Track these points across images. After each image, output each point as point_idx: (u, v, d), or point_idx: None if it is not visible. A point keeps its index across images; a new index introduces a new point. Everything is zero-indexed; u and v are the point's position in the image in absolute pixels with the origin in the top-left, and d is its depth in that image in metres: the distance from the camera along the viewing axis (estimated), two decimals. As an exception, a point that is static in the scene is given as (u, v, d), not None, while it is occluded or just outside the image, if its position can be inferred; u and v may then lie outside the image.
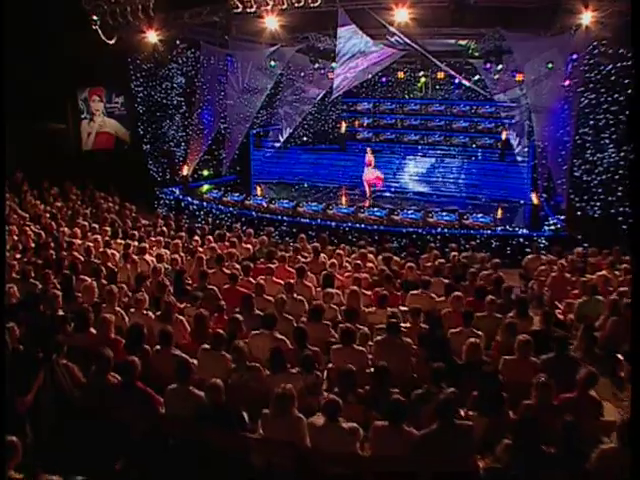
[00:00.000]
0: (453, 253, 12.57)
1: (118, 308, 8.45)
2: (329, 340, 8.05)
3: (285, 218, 16.47)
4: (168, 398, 6.02)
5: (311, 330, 7.61)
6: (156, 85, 20.86)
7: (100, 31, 16.17)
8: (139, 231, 13.62)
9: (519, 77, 19.88)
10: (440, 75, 22.99)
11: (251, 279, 10.22)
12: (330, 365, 7.35)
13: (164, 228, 13.82)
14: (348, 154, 23.78)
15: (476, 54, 20.75)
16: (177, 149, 21.14)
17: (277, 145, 23.49)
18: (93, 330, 7.47)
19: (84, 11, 15.70)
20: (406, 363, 7.43)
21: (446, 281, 10.40)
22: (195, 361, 6.96)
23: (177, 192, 19.73)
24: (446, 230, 15.55)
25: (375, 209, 16.44)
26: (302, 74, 22.89)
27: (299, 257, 11.80)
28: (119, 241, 13.02)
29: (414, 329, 8.22)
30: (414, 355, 7.57)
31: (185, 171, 20.12)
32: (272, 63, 20.62)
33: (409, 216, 16.03)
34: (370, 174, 20.09)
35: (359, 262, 11.26)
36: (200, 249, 12.58)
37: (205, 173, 21.54)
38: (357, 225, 15.76)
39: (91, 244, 12.19)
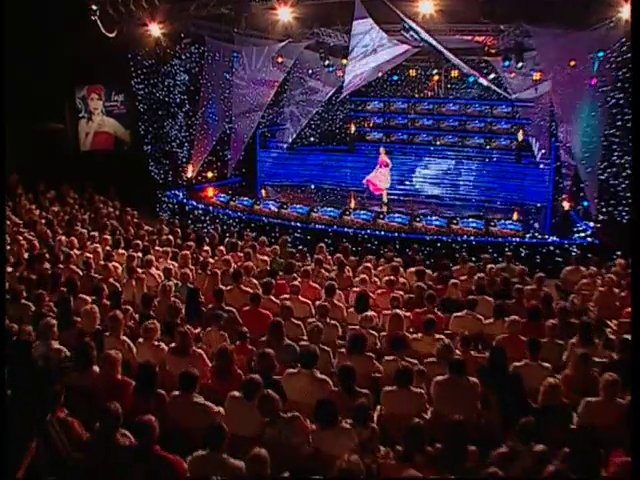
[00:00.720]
0: (489, 265, 11.24)
1: (124, 337, 7.08)
2: (374, 376, 6.75)
3: (299, 224, 15.08)
4: (196, 467, 4.67)
5: (353, 364, 6.27)
6: (158, 82, 19.47)
7: (100, 23, 14.76)
8: (143, 240, 12.27)
9: (537, 76, 18.68)
10: (454, 73, 21.78)
11: (273, 298, 8.89)
12: (381, 411, 6.05)
13: (170, 237, 12.44)
14: (358, 155, 22.43)
15: (492, 51, 19.50)
16: (180, 150, 19.74)
17: (284, 146, 22.09)
18: (96, 368, 6.12)
19: (83, 7, 14.30)
20: (473, 408, 6.11)
21: (492, 300, 9.08)
22: (221, 409, 5.66)
23: (180, 195, 18.34)
24: (472, 238, 14.19)
25: (395, 215, 15.06)
26: (310, 72, 21.55)
27: (322, 271, 10.46)
28: (121, 251, 11.68)
29: (468, 361, 6.87)
30: (480, 397, 6.25)
31: (189, 173, 18.75)
32: (279, 60, 19.37)
33: (433, 223, 14.67)
34: (379, 178, 18.64)
35: (392, 277, 9.90)
36: (211, 260, 11.25)
37: (209, 175, 20.13)
38: (377, 232, 14.40)
39: (90, 255, 10.86)
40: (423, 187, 21.25)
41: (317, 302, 8.73)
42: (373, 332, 7.83)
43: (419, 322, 8.19)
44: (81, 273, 9.98)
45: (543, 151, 20.09)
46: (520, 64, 18.43)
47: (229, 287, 9.14)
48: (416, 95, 22.90)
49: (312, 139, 23.38)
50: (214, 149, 19.79)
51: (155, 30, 15.60)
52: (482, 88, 21.67)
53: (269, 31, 17.45)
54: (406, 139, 22.91)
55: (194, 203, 17.40)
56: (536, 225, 16.59)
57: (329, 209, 15.65)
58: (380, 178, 18.78)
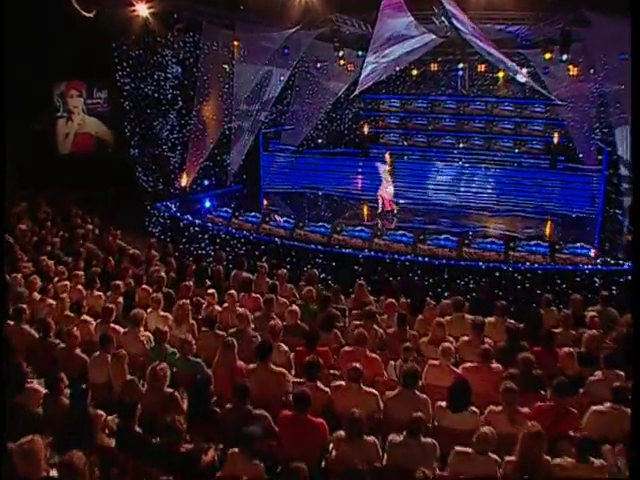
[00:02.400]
0: (591, 314, 8.16)
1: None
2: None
3: (320, 247, 11.91)
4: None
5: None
6: (146, 76, 16.24)
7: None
8: (126, 276, 9.08)
9: (575, 70, 15.89)
10: (480, 68, 18.72)
11: (321, 385, 5.75)
12: None
13: (162, 273, 9.13)
14: (371, 160, 19.30)
15: (527, 42, 16.56)
16: (172, 154, 16.50)
17: (290, 149, 18.89)
18: None
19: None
20: None
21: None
22: None
23: (173, 207, 15.13)
24: (537, 265, 11.11)
25: (442, 237, 11.87)
26: (318, 65, 18.40)
27: (376, 327, 7.32)
28: (97, 293, 8.50)
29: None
30: None
31: (184, 181, 15.56)
32: (285, 51, 16.29)
33: (487, 247, 11.53)
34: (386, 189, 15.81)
35: (474, 338, 6.81)
36: (218, 308, 8.11)
37: (206, 182, 16.92)
38: (419, 259, 11.26)
39: (53, 303, 7.69)
40: (444, 195, 18.11)
41: (387, 393, 5.62)
42: (492, 456, 4.72)
43: (543, 419, 5.13)
44: (36, 336, 6.78)
45: (583, 155, 17.11)
46: (565, 56, 15.61)
47: (252, 366, 5.98)
48: (437, 92, 19.70)
49: (320, 141, 20.18)
50: (212, 153, 16.61)
51: (143, 10, 12.51)
52: (513, 85, 18.66)
53: (276, 17, 14.35)
54: (426, 142, 19.82)
55: (189, 218, 14.17)
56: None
57: (357, 229, 12.42)
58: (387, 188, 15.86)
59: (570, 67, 16.00)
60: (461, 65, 18.62)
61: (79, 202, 15.01)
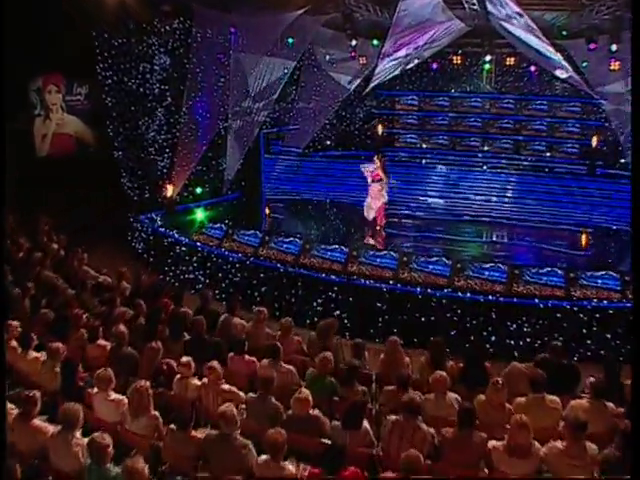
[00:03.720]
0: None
1: None
2: None
3: (333, 278, 9.41)
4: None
5: None
6: (130, 68, 13.82)
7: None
8: (77, 324, 6.63)
9: (615, 65, 13.70)
10: (509, 61, 16.27)
11: None
12: None
13: (122, 328, 6.51)
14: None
15: (566, 32, 14.20)
16: (159, 157, 14.04)
17: (296, 151, 16.40)
18: None
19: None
20: None
21: None
22: None
23: (158, 220, 12.65)
24: (605, 303, 8.62)
25: (487, 266, 9.33)
26: (327, 57, 15.94)
27: (424, 428, 4.85)
28: (34, 355, 6.06)
29: None
30: None
31: (170, 191, 13.11)
32: (290, 40, 13.90)
33: (542, 280, 8.98)
34: (375, 196, 13.31)
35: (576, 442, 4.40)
36: (196, 382, 5.64)
37: (199, 190, 14.43)
38: (458, 294, 8.76)
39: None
40: (467, 205, 15.65)
41: None
42: None
43: None
44: None
45: (625, 161, 14.66)
46: (615, 46, 13.35)
47: None
48: (460, 88, 17.21)
49: (328, 143, 17.68)
50: (205, 156, 14.15)
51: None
52: (546, 80, 16.18)
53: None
54: (448, 144, 17.28)
55: (175, 235, 11.70)
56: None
57: (381, 255, 9.86)
58: (375, 196, 13.33)
59: (614, 60, 13.67)
60: (488, 57, 16.16)
61: (53, 212, 12.62)
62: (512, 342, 8.36)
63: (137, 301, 7.37)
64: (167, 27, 13.49)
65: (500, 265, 9.16)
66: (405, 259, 9.28)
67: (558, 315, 8.39)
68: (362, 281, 9.23)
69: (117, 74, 13.78)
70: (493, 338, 8.36)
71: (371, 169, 13.39)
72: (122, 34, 13.44)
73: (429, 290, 8.76)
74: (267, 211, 15.27)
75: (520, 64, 16.16)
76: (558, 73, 13.50)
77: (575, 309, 8.41)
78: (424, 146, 17.49)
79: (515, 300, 8.57)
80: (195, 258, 11.19)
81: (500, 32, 13.29)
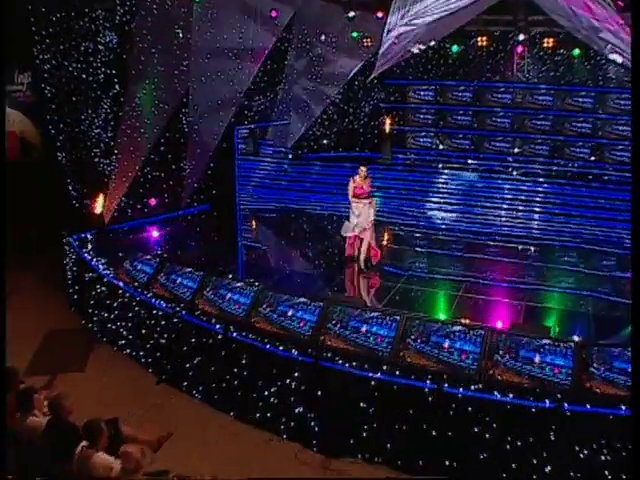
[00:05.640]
0: None
1: None
2: None
3: (296, 355, 5.94)
4: None
5: None
6: (70, 49, 10.48)
7: None
8: None
9: None
10: (548, 42, 12.77)
11: None
12: None
13: None
14: (395, 170, 13.49)
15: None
16: (105, 160, 10.70)
17: (283, 151, 13.03)
18: None
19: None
20: None
21: None
22: None
23: (89, 243, 9.37)
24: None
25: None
26: (323, 37, 12.52)
27: None
28: None
29: None
30: None
31: (98, 207, 9.79)
32: (273, 13, 10.58)
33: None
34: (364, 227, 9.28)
35: None
36: None
37: (154, 202, 11.08)
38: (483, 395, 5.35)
39: None
40: (493, 221, 12.17)
41: None
42: None
43: None
44: None
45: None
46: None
47: None
48: (486, 77, 13.67)
49: (325, 142, 14.26)
50: (162, 159, 10.85)
51: None
52: (595, 67, 12.66)
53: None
54: (470, 146, 13.77)
55: (100, 266, 8.39)
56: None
57: (376, 321, 6.24)
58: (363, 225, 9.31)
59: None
60: (521, 37, 12.62)
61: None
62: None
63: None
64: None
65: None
66: (407, 326, 5.84)
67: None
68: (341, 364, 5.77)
69: (55, 57, 10.48)
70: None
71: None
72: (60, 6, 10.17)
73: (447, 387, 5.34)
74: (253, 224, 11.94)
75: (561, 46, 12.64)
76: (613, 57, 9.86)
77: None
78: (441, 147, 14.01)
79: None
80: (117, 305, 7.88)
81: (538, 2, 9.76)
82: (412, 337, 5.78)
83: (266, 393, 6.09)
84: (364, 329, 5.97)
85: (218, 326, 6.57)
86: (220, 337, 6.49)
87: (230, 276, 7.18)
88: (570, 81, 13.03)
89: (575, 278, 9.20)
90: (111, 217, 10.57)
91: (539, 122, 13.29)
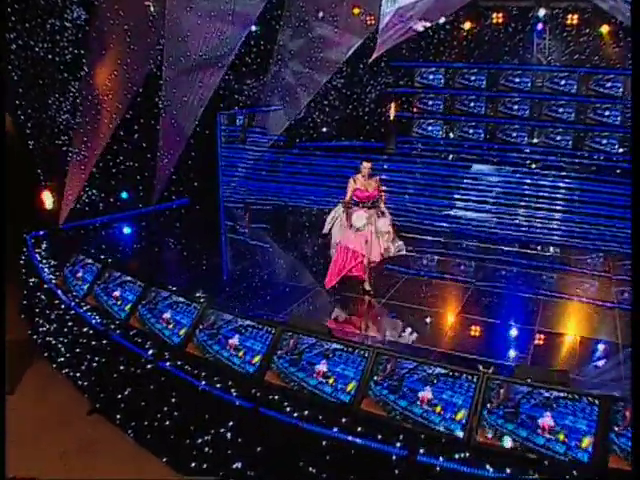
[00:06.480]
0: None
1: None
2: None
3: (237, 400, 4.57)
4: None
5: None
6: (36, 27, 9.29)
7: None
8: None
9: None
10: (572, 19, 11.23)
11: None
12: None
13: None
14: (399, 161, 12.07)
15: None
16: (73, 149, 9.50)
17: (272, 140, 11.69)
18: None
19: None
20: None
21: None
22: None
23: (45, 242, 8.20)
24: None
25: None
26: (321, 14, 11.10)
27: None
28: None
29: None
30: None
31: (48, 202, 8.58)
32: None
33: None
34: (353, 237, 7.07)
35: None
36: None
37: (124, 196, 9.84)
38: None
39: None
40: (506, 224, 10.71)
41: None
42: None
43: None
44: None
45: None
46: None
47: None
48: (502, 59, 12.12)
49: (324, 130, 12.88)
50: (136, 147, 9.63)
51: None
52: (622, 49, 11.09)
53: None
54: (484, 136, 12.27)
55: (45, 270, 7.19)
56: None
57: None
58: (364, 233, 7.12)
59: None
60: (542, 13, 11.06)
61: None
62: None
63: None
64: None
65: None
66: (375, 364, 4.46)
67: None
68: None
69: (21, 36, 9.28)
70: None
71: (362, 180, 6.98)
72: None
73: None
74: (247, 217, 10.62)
75: (587, 24, 11.03)
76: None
77: None
78: (451, 136, 12.51)
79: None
80: (54, 315, 6.66)
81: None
82: (378, 378, 4.42)
83: (199, 440, 4.81)
84: (322, 367, 4.62)
85: (151, 352, 5.32)
86: (150, 366, 5.23)
87: (174, 288, 5.85)
88: (597, 64, 11.44)
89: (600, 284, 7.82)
90: (80, 212, 9.48)
91: (561, 109, 11.74)
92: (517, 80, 11.95)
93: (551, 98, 11.76)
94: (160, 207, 10.07)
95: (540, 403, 4.01)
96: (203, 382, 4.83)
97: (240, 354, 4.96)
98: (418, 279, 7.90)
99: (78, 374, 6.31)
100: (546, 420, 3.93)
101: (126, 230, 9.47)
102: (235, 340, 5.03)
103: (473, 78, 12.23)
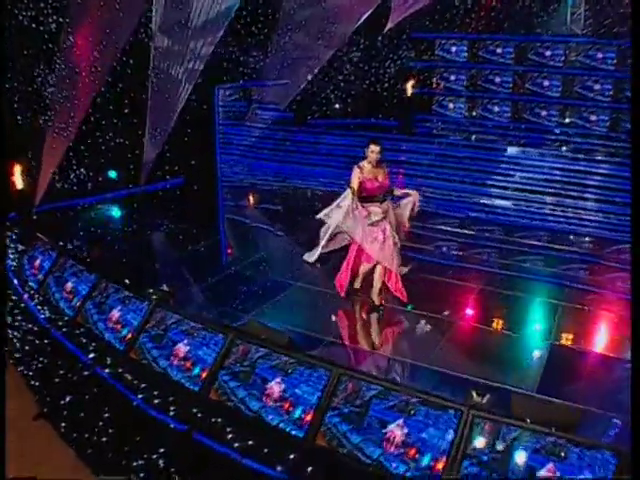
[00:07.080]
0: None
1: None
2: None
3: (172, 422, 3.80)
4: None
5: None
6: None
7: None
8: None
9: None
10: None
11: None
12: None
13: None
14: (418, 140, 11.09)
15: None
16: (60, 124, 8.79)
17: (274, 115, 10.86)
18: None
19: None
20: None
21: None
22: None
23: (18, 226, 7.53)
24: None
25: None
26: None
27: None
28: None
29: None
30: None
31: (19, 181, 7.87)
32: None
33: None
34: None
35: None
36: None
37: (113, 175, 9.10)
38: None
39: None
40: (536, 209, 9.61)
41: None
42: None
43: None
44: None
45: None
46: None
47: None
48: (532, 32, 11.03)
49: (337, 106, 11.97)
50: (126, 124, 8.89)
51: None
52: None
53: None
54: (510, 114, 11.21)
55: (10, 256, 6.52)
56: None
57: None
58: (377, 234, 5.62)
59: None
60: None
61: None
62: None
63: None
64: None
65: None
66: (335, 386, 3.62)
67: None
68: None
69: (4, 6, 8.63)
70: None
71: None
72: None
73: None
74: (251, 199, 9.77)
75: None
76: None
77: None
78: (474, 115, 11.45)
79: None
80: (9, 307, 5.98)
81: None
82: (339, 403, 3.57)
83: (134, 464, 4.06)
84: (276, 386, 3.78)
85: (91, 355, 4.58)
86: (87, 373, 4.48)
87: (126, 281, 5.07)
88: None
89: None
90: (67, 191, 8.83)
91: (597, 86, 10.60)
92: (548, 53, 10.82)
93: (586, 74, 10.61)
94: (153, 187, 9.32)
95: (547, 450, 3.12)
96: (140, 396, 4.06)
97: (187, 364, 4.17)
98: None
99: (30, 373, 5.65)
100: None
101: (113, 212, 8.74)
102: (182, 347, 4.24)
103: (499, 50, 11.12)
